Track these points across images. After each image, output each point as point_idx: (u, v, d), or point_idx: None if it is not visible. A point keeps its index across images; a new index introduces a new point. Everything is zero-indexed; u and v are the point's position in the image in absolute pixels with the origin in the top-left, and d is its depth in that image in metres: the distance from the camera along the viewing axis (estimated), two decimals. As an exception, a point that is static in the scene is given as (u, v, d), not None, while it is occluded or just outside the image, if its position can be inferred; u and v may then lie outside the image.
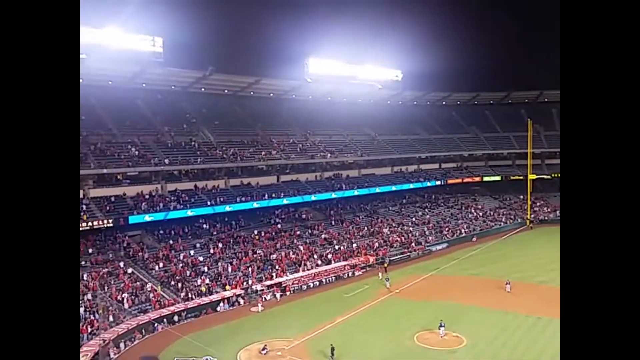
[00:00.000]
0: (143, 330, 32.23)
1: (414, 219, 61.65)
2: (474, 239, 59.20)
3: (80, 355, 27.12)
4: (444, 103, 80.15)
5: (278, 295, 39.27)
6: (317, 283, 43.30)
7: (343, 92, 64.32)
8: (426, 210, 65.50)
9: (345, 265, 46.53)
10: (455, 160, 75.26)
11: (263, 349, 29.44)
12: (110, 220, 39.21)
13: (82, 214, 38.36)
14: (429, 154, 71.09)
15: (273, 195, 50.86)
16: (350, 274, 45.95)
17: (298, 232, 51.05)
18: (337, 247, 50.04)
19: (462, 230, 61.09)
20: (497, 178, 74.20)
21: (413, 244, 54.70)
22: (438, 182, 69.03)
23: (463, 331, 30.98)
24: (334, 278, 44.61)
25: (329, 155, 59.47)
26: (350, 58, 59.26)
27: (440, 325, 30.65)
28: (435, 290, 40.26)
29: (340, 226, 55.33)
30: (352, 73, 60.48)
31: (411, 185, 65.52)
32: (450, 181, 70.72)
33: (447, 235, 59.04)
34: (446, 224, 62.15)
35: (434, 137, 73.67)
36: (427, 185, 67.68)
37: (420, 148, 70.19)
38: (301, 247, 48.18)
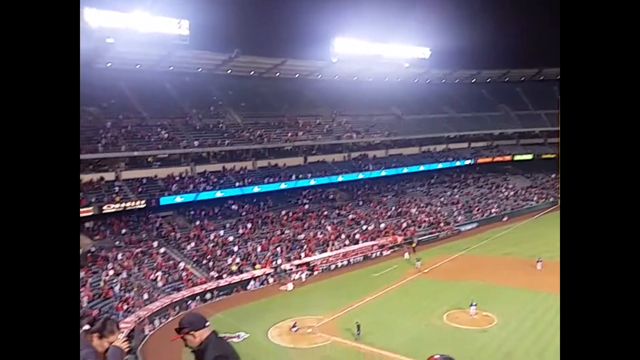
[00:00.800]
0: (177, 308, 33.28)
1: (442, 199, 61.06)
2: (505, 219, 58.32)
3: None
4: (473, 81, 78.36)
5: (304, 275, 39.73)
6: (345, 263, 43.61)
7: (369, 71, 63.59)
8: (455, 190, 64.74)
9: (373, 245, 46.66)
10: (485, 139, 73.79)
11: (293, 326, 30.02)
12: (143, 202, 40.24)
13: (115, 195, 39.50)
14: (457, 133, 69.86)
15: (300, 176, 51.14)
16: (378, 254, 46.07)
17: (325, 213, 51.34)
18: (364, 227, 50.14)
19: (493, 210, 60.23)
20: (529, 156, 72.52)
21: (442, 224, 54.29)
22: (467, 162, 67.93)
23: (493, 310, 30.84)
24: (362, 258, 44.85)
25: (355, 135, 59.18)
26: (376, 37, 58.43)
27: (472, 305, 30.54)
28: (464, 270, 40.02)
29: (368, 206, 55.33)
30: (379, 52, 59.65)
31: (440, 165, 64.70)
32: (480, 160, 69.51)
33: (477, 215, 58.33)
34: (476, 203, 61.36)
35: (463, 116, 72.26)
36: (456, 164, 66.70)
37: (449, 127, 69.04)
38: (329, 228, 48.49)
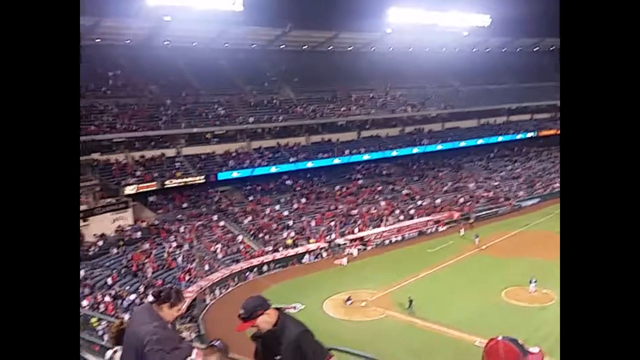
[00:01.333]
0: (236, 279, 34.77)
1: (502, 174, 59.10)
2: (569, 195, 55.65)
3: (183, 300, 29.88)
4: (536, 49, 74.15)
5: (356, 250, 40.16)
6: (400, 238, 43.53)
7: (425, 41, 61.64)
8: (516, 164, 62.38)
9: (428, 221, 46.18)
10: (548, 111, 69.97)
11: (347, 300, 30.59)
12: (202, 177, 41.81)
13: (176, 170, 41.26)
14: (519, 105, 66.75)
15: (354, 151, 51.09)
16: (433, 230, 45.59)
17: (379, 188, 51.19)
18: (419, 202, 49.62)
19: (556, 185, 57.57)
20: (598, 128, 68.25)
21: (501, 200, 52.71)
22: (529, 134, 65.04)
23: (553, 288, 29.85)
24: (416, 233, 44.60)
25: (410, 109, 58.05)
26: (433, 5, 56.28)
27: (531, 281, 29.80)
28: (524, 247, 38.83)
29: (423, 182, 54.57)
30: (435, 21, 57.60)
31: (499, 138, 62.35)
32: (542, 133, 66.30)
33: (539, 190, 56.09)
34: (538, 178, 58.94)
35: (525, 86, 68.81)
36: (518, 137, 64.03)
37: (510, 98, 66.04)
38: (382, 203, 48.40)
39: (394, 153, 53.79)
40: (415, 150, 55.54)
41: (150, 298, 4.39)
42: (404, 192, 51.45)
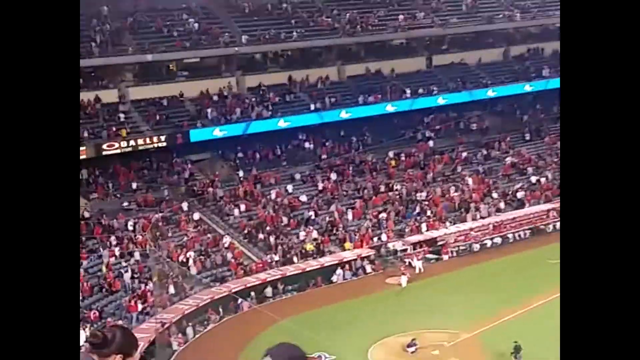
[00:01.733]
0: (220, 309, 35.22)
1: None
2: None
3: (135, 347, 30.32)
4: None
5: (420, 262, 40.30)
6: (499, 240, 43.58)
7: None
8: None
9: (549, 211, 46.03)
10: None
11: (410, 345, 30.97)
12: (163, 138, 42.30)
13: (119, 127, 41.77)
14: None
15: (420, 90, 50.86)
16: (558, 227, 45.38)
17: (464, 154, 51.08)
18: (533, 179, 49.39)
19: None
20: None
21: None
22: None
23: None
24: (528, 232, 44.60)
25: (519, 16, 57.11)
26: None
27: None
28: None
29: (542, 143, 54.16)
30: None
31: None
32: None
33: None
34: None
35: None
36: None
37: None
38: (470, 180, 48.33)
39: (491, 93, 53.36)
40: (527, 87, 54.96)
41: (82, 342, 4.58)
42: (508, 160, 51.22)
